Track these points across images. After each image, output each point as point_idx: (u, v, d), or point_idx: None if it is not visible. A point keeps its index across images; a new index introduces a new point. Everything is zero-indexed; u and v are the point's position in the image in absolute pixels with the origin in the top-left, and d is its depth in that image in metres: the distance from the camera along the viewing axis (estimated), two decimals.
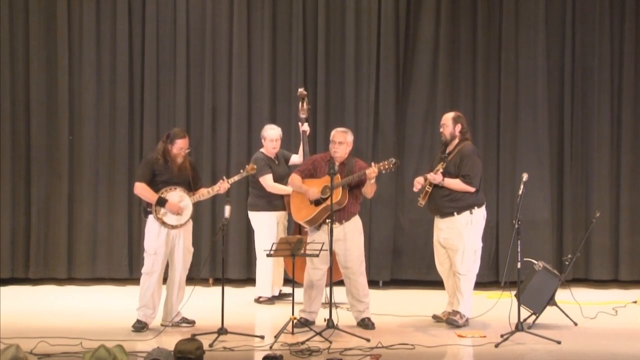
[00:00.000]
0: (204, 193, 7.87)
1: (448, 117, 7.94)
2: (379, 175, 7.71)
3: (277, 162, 9.05)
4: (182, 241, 7.76)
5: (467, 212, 7.73)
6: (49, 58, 10.22)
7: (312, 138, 9.65)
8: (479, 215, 7.79)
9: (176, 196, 7.69)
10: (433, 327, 7.83)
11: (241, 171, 8.13)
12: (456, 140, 7.86)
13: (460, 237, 7.74)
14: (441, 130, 7.96)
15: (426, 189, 7.78)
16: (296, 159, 9.13)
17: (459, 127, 7.87)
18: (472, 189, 7.72)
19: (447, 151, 7.87)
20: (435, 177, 7.70)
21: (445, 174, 7.73)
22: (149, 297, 7.66)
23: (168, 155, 7.72)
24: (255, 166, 8.32)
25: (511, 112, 10.11)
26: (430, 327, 7.82)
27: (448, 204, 7.75)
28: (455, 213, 7.74)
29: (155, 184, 7.69)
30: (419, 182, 7.85)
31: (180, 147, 7.73)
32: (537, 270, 7.94)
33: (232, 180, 7.97)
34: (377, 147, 10.10)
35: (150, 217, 7.70)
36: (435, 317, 8.05)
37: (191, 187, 7.80)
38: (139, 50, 10.26)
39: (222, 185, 7.86)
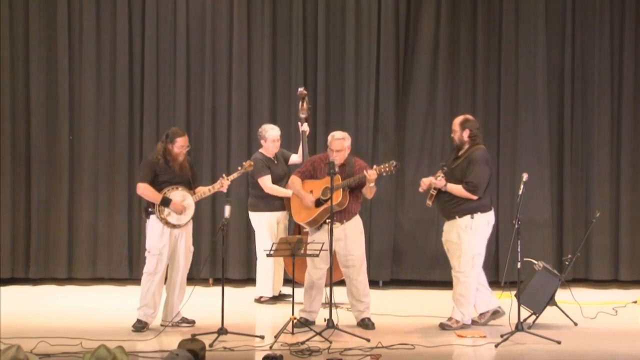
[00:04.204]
0: (205, 191, 7.87)
1: (456, 123, 7.86)
2: (379, 178, 7.72)
3: (276, 162, 9.05)
4: (184, 241, 7.77)
5: (468, 216, 7.69)
6: (49, 58, 10.22)
7: (312, 138, 9.67)
8: (481, 221, 7.72)
9: (179, 195, 7.70)
10: (433, 327, 7.81)
11: (239, 168, 8.13)
12: (467, 145, 7.82)
13: (458, 240, 7.71)
14: (452, 135, 7.89)
15: (431, 192, 7.77)
16: (296, 158, 9.12)
17: (467, 132, 7.79)
18: (474, 197, 7.67)
19: (459, 154, 7.83)
20: (437, 182, 7.65)
21: (452, 178, 7.69)
22: (150, 296, 7.66)
23: (169, 155, 7.72)
24: (252, 162, 8.31)
25: (511, 112, 10.11)
26: (430, 327, 7.81)
27: (451, 208, 7.73)
28: (457, 216, 7.72)
29: (157, 184, 7.70)
30: (424, 183, 7.81)
31: (181, 145, 7.73)
32: (537, 270, 7.94)
33: (231, 177, 7.98)
34: (377, 147, 10.11)
35: (153, 218, 7.69)
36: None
37: (191, 186, 7.81)
38: (139, 51, 10.26)
39: (223, 183, 7.87)
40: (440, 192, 7.73)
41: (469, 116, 7.96)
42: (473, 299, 7.80)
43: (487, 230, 7.82)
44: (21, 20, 10.21)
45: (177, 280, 7.80)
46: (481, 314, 7.91)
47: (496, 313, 7.91)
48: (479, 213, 7.70)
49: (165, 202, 7.64)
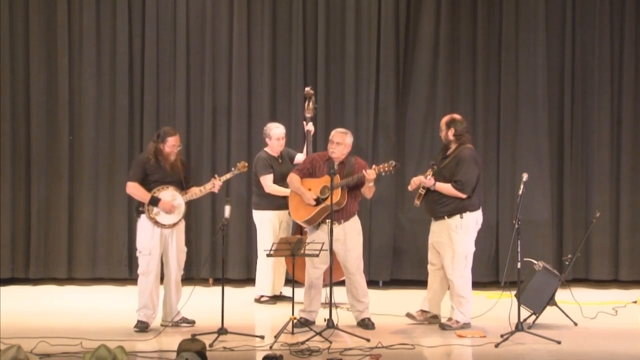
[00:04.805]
0: (197, 192, 7.85)
1: (442, 122, 7.94)
2: (378, 177, 7.72)
3: (280, 161, 9.04)
4: (175, 241, 7.76)
5: (457, 216, 7.70)
6: (49, 58, 10.22)
7: (313, 138, 9.65)
8: (470, 220, 7.74)
9: (168, 195, 7.68)
10: (433, 327, 7.82)
11: (232, 169, 8.11)
12: (454, 144, 7.85)
13: (449, 241, 7.72)
14: (440, 133, 7.97)
15: (419, 191, 7.79)
16: (301, 157, 9.08)
17: (451, 131, 7.82)
18: (463, 196, 7.68)
19: (447, 153, 7.86)
20: (426, 181, 7.68)
21: (440, 177, 7.73)
22: (147, 297, 7.66)
23: (160, 155, 7.71)
24: (246, 163, 8.27)
25: (511, 112, 10.11)
26: (430, 327, 7.82)
27: (439, 207, 7.75)
28: (445, 216, 7.74)
29: (147, 184, 7.69)
30: (415, 182, 7.84)
31: (172, 144, 7.72)
32: (537, 270, 7.95)
33: (224, 178, 7.96)
34: (377, 147, 10.10)
35: (143, 217, 7.68)
36: (409, 315, 7.98)
37: (183, 186, 7.80)
38: (139, 51, 10.26)
39: (215, 184, 7.85)
40: (429, 192, 7.76)
41: (456, 116, 7.98)
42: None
43: (476, 229, 7.86)
44: (21, 20, 10.20)
45: (172, 280, 7.79)
46: (423, 311, 7.92)
47: (435, 318, 7.89)
48: (467, 212, 7.72)
49: (154, 201, 7.63)
